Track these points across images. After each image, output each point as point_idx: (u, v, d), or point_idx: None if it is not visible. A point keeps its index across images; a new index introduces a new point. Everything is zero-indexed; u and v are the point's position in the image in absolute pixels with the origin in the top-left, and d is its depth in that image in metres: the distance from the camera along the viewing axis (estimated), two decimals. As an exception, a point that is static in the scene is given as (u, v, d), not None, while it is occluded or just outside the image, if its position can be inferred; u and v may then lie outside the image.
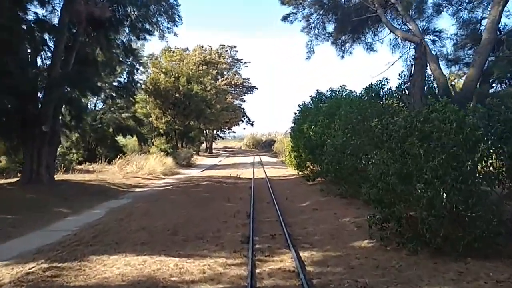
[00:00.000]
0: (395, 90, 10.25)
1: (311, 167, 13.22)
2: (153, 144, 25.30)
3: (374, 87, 10.29)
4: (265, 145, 54.23)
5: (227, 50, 49.25)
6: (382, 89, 10.08)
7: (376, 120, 5.87)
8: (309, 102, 13.39)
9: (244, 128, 52.90)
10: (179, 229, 6.59)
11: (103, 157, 21.79)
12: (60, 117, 13.65)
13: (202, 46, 41.86)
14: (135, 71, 25.55)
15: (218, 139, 56.26)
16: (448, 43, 14.65)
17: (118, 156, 20.05)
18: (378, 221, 5.18)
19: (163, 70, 27.88)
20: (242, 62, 51.43)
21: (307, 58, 12.99)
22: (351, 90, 11.74)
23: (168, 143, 27.67)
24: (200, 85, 31.68)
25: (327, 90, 13.19)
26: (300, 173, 15.82)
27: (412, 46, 12.37)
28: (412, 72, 10.24)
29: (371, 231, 5.35)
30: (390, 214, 5.00)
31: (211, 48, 43.56)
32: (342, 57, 13.93)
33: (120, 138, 27.11)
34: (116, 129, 24.76)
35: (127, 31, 15.72)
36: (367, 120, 8.01)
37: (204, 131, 48.44)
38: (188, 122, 28.54)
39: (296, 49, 78.75)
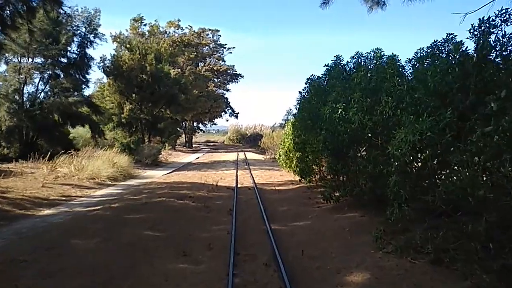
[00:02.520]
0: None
1: (330, 176, 8.49)
2: (103, 137, 19.96)
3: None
4: (250, 140, 49.45)
5: (208, 34, 43.86)
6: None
7: None
8: (324, 74, 8.56)
9: (227, 120, 47.82)
10: None
11: (46, 152, 16.48)
12: None
13: (179, 21, 36.22)
14: (89, 44, 20.28)
15: (199, 132, 50.90)
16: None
17: (68, 151, 14.86)
18: None
19: (127, 45, 22.47)
20: (225, 48, 46.20)
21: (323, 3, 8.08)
22: (394, 55, 6.95)
23: (132, 136, 22.41)
24: (174, 65, 26.47)
25: (354, 56, 8.35)
26: (302, 179, 11.10)
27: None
28: None
29: None
30: None
31: (191, 27, 38.11)
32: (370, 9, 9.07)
33: (75, 129, 21.75)
34: (62, 117, 19.36)
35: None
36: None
37: (183, 123, 43.21)
38: (158, 111, 23.27)
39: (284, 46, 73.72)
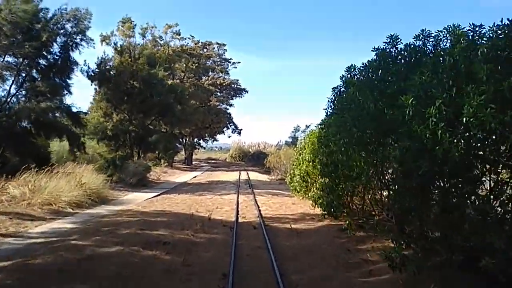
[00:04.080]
0: None
1: (395, 219, 5.33)
2: (83, 151, 17.00)
3: None
4: (253, 158, 46.35)
5: (214, 48, 41.58)
6: None
7: None
8: (377, 59, 5.55)
9: (229, 137, 44.82)
10: None
11: (14, 167, 13.50)
12: None
13: (177, 27, 33.64)
14: (74, 46, 17.60)
15: (199, 149, 47.89)
16: None
17: (44, 167, 11.93)
18: None
19: (117, 48, 19.82)
20: (230, 62, 43.82)
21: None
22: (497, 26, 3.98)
23: (119, 151, 19.42)
24: (173, 75, 23.78)
25: (418, 37, 5.37)
26: (328, 215, 7.97)
27: None
28: None
29: None
30: None
31: (193, 37, 35.73)
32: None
33: (60, 142, 18.81)
34: (34, 126, 16.46)
35: None
36: None
37: (182, 139, 40.32)
38: (151, 122, 20.35)
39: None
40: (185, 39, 35.64)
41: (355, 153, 5.43)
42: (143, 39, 20.58)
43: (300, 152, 11.67)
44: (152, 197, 13.14)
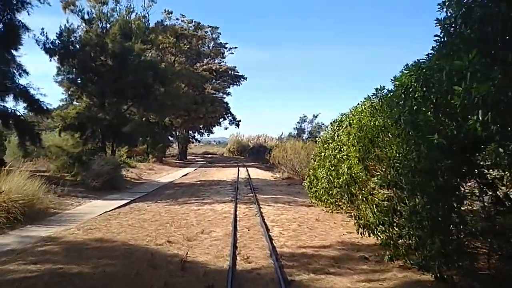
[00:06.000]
0: None
1: None
2: (39, 145, 13.17)
3: None
4: (253, 152, 42.52)
5: (207, 31, 37.44)
6: None
7: None
8: None
9: (226, 128, 40.85)
10: None
11: None
12: None
13: (170, 13, 29.70)
14: (21, 5, 13.62)
15: (194, 142, 44.03)
16: None
17: None
18: None
19: (85, 17, 15.82)
20: (226, 48, 39.75)
21: None
22: None
23: (86, 144, 15.54)
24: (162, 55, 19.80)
25: None
26: (398, 258, 4.19)
27: None
28: None
29: None
30: None
31: (183, 16, 31.59)
32: None
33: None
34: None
35: None
36: None
37: (175, 131, 36.42)
38: (127, 108, 16.42)
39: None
40: (177, 19, 31.60)
41: None
42: (116, 4, 16.51)
43: (328, 144, 7.85)
44: (115, 208, 9.32)
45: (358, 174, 5.53)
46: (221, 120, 37.53)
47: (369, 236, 5.45)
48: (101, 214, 8.44)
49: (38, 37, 14.46)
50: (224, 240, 6.05)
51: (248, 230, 6.79)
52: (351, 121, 5.95)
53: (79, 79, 15.38)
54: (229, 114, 38.22)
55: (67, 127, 14.99)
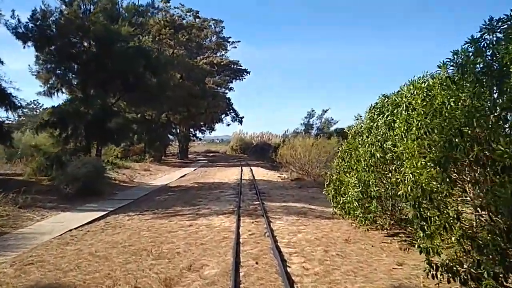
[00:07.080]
0: None
1: None
2: (9, 144, 11.23)
3: None
4: (257, 150, 40.40)
5: (210, 24, 35.40)
6: None
7: None
8: None
9: (228, 125, 38.75)
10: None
11: None
12: None
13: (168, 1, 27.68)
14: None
15: (195, 140, 42.07)
16: None
17: None
18: None
19: (65, -3, 13.80)
20: (229, 42, 37.67)
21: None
22: None
23: (68, 143, 13.56)
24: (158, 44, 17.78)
25: None
26: None
27: None
28: None
29: None
30: None
31: (182, 6, 29.54)
32: None
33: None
34: None
35: None
36: None
37: (175, 129, 34.47)
38: (115, 102, 14.40)
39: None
40: (176, 8, 29.53)
41: None
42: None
43: (364, 138, 5.77)
44: (85, 224, 7.32)
45: (432, 185, 3.44)
46: (223, 116, 35.50)
47: (449, 282, 3.42)
48: (61, 235, 6.43)
49: (8, 21, 12.46)
50: (221, 284, 4.01)
51: (256, 263, 4.73)
52: (413, 102, 3.87)
53: (58, 70, 13.35)
54: (231, 110, 36.19)
55: (45, 124, 13.00)
